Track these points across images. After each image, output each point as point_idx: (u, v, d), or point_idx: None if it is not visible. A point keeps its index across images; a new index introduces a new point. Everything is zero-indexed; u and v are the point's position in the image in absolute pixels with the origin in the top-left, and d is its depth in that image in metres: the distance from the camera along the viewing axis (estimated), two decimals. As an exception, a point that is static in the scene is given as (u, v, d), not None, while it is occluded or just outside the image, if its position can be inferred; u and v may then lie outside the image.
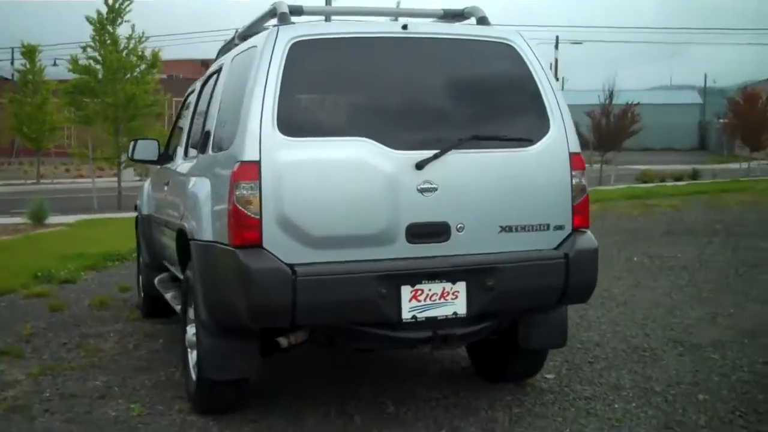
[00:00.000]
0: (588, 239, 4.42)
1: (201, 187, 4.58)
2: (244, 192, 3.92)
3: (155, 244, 6.67)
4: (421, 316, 4.10)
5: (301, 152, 4.00)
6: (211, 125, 4.80)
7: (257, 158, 3.93)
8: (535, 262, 4.25)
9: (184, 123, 5.96)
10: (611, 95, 26.48)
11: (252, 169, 3.93)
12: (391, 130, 4.16)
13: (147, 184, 7.27)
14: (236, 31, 5.33)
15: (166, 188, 6.01)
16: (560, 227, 4.37)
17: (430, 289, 4.11)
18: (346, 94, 4.44)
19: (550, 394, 4.96)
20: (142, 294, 7.24)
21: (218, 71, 5.18)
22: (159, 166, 6.57)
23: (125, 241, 10.26)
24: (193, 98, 5.96)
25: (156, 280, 6.44)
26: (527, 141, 4.35)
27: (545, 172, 4.36)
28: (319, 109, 4.53)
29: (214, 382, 4.39)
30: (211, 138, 4.72)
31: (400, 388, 5.03)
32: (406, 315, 4.07)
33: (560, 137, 4.41)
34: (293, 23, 4.29)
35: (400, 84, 4.35)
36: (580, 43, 54.35)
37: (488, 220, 4.23)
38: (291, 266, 3.87)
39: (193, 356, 4.64)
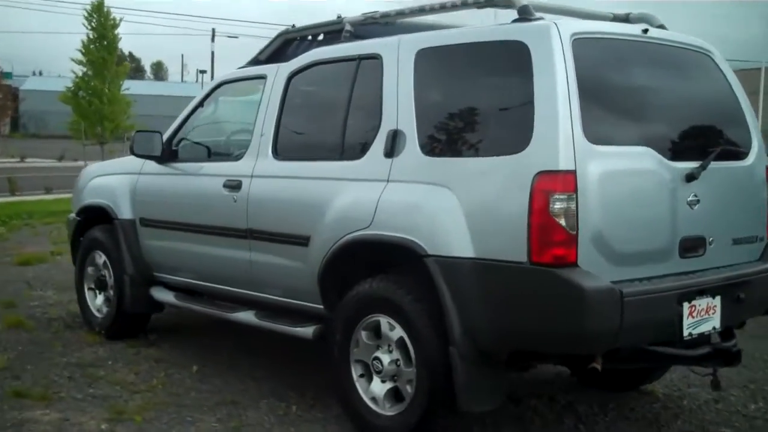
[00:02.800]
0: None
1: (433, 196, 4.01)
2: (560, 204, 3.58)
3: (164, 257, 5.94)
4: (695, 332, 4.00)
5: (605, 161, 3.75)
6: (413, 125, 4.21)
7: (573, 167, 3.61)
8: None
9: (263, 120, 5.13)
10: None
11: (569, 180, 3.61)
12: (662, 138, 4.11)
13: (126, 182, 6.16)
14: (345, 22, 4.99)
15: (235, 195, 5.12)
16: (761, 239, 4.52)
17: (700, 305, 4.00)
18: (625, 98, 4.14)
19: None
20: (108, 312, 6.32)
21: (335, 62, 4.81)
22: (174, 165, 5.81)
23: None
24: (271, 94, 5.12)
25: (173, 296, 5.86)
26: (745, 153, 4.47)
27: (756, 184, 4.51)
28: (609, 115, 4.06)
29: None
30: (418, 140, 4.18)
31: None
32: (686, 332, 3.94)
33: (760, 149, 4.55)
34: (541, 18, 4.00)
35: (662, 90, 4.31)
36: (236, 37, 55.19)
37: (727, 233, 4.28)
38: (615, 285, 3.62)
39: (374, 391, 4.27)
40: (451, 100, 4.22)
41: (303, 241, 4.64)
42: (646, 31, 4.18)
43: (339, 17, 5.07)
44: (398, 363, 4.17)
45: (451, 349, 3.87)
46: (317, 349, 4.88)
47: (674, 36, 4.39)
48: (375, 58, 4.54)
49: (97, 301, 6.51)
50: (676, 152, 4.09)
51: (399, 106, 4.30)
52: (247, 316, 5.20)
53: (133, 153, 5.87)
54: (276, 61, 5.42)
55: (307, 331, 4.76)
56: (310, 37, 5.38)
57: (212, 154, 5.79)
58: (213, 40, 49.24)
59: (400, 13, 4.74)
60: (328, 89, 5.07)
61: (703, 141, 4.31)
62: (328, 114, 4.95)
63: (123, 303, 6.16)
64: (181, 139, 5.88)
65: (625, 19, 4.65)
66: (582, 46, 3.80)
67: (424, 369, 4.01)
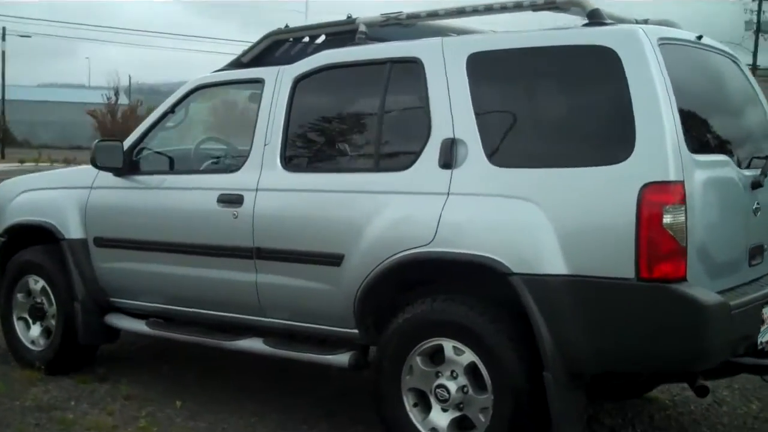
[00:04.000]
0: None
1: (514, 210, 3.72)
2: (671, 216, 3.42)
3: (126, 280, 5.26)
4: (764, 340, 3.92)
5: (703, 171, 3.63)
6: (475, 133, 3.90)
7: (681, 178, 3.47)
8: None
9: (266, 128, 4.61)
10: (117, 93, 26.81)
11: (679, 190, 3.46)
12: (731, 146, 4.07)
13: (74, 197, 5.41)
14: (360, 24, 4.53)
15: (235, 210, 4.60)
16: None
17: (764, 314, 3.91)
18: (703, 104, 4.01)
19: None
20: (50, 344, 5.55)
21: (355, 66, 4.43)
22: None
23: None
24: (274, 100, 4.62)
25: (145, 324, 5.19)
26: None
27: None
28: (696, 122, 3.90)
29: None
30: (484, 150, 3.87)
31: None
32: (760, 341, 3.88)
33: None
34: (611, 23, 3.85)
35: (721, 97, 4.32)
36: (29, 36, 53.76)
37: None
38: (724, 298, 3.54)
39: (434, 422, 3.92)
40: (522, 107, 3.97)
41: (333, 260, 4.23)
42: (700, 37, 4.12)
43: (350, 17, 4.65)
44: (465, 390, 3.87)
45: (545, 375, 3.61)
46: (299, 370, 4.48)
47: (713, 42, 4.36)
48: (413, 62, 4.19)
49: (31, 333, 5.69)
50: (741, 159, 4.06)
51: (453, 113, 3.98)
52: (253, 344, 4.68)
53: (95, 165, 5.17)
54: (262, 63, 4.94)
55: (341, 358, 4.34)
56: (306, 39, 4.92)
57: (192, 165, 5.22)
58: (4, 39, 45.74)
59: (433, 15, 4.37)
60: (351, 95, 4.65)
61: (755, 147, 4.31)
62: (354, 122, 4.58)
63: (70, 333, 5.42)
64: (148, 150, 5.26)
65: (646, 24, 4.58)
66: (666, 51, 3.67)
67: (503, 395, 3.73)
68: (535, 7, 4.11)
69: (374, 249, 4.07)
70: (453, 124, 3.97)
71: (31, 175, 6.60)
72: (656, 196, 3.42)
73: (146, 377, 5.53)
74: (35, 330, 5.68)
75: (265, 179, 4.55)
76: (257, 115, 4.69)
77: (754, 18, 40.87)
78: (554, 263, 3.59)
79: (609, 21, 3.83)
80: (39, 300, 5.63)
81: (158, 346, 6.14)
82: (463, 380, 3.87)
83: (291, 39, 4.96)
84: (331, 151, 4.69)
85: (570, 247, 3.58)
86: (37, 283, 5.61)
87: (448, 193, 3.92)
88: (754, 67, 38.47)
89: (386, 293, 4.14)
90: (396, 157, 4.25)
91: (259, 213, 4.52)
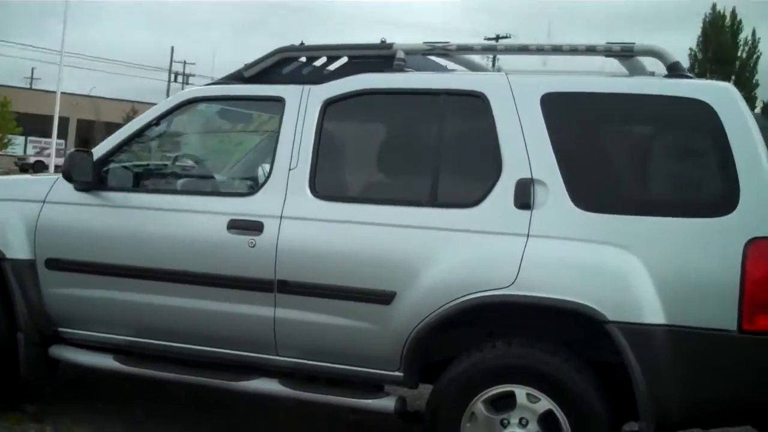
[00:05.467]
0: None
1: (608, 257, 3.67)
2: None
3: (85, 308, 4.59)
4: None
5: None
6: (556, 175, 3.83)
7: None
8: None
9: (291, 151, 4.27)
10: None
11: None
12: None
13: (20, 212, 4.63)
14: (398, 50, 4.30)
15: (252, 239, 4.19)
16: None
17: None
18: None
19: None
20: None
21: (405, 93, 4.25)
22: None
23: None
24: (301, 122, 4.30)
25: (113, 359, 4.57)
26: None
27: None
28: None
29: None
30: (568, 192, 3.80)
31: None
32: None
33: None
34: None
35: None
36: None
37: None
38: None
39: None
40: (610, 152, 3.96)
41: (383, 298, 3.98)
42: None
43: (384, 41, 4.45)
44: None
45: (640, 424, 3.64)
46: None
47: None
48: (475, 96, 4.06)
49: None
50: None
51: (530, 153, 3.89)
52: (268, 385, 4.25)
53: (69, 179, 4.48)
54: (265, 81, 4.55)
55: (387, 403, 4.07)
56: (325, 59, 4.61)
57: (189, 184, 4.69)
58: None
59: (490, 49, 4.29)
60: (395, 124, 4.41)
61: None
62: (400, 152, 4.33)
63: (5, 367, 4.65)
64: (121, 164, 4.65)
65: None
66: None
67: None
68: (609, 53, 4.11)
69: (438, 288, 3.87)
70: (530, 164, 3.89)
71: None
72: (762, 251, 3.53)
73: (87, 417, 4.84)
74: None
75: (291, 206, 4.19)
76: (278, 137, 4.32)
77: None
78: (653, 312, 3.59)
79: (690, 74, 3.95)
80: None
81: (87, 379, 5.45)
82: (533, 428, 3.79)
83: (304, 58, 4.61)
84: (371, 181, 4.42)
85: (668, 297, 3.60)
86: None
87: (528, 235, 3.83)
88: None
89: (444, 336, 3.99)
90: (456, 193, 4.07)
91: (285, 243, 4.15)
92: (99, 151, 4.61)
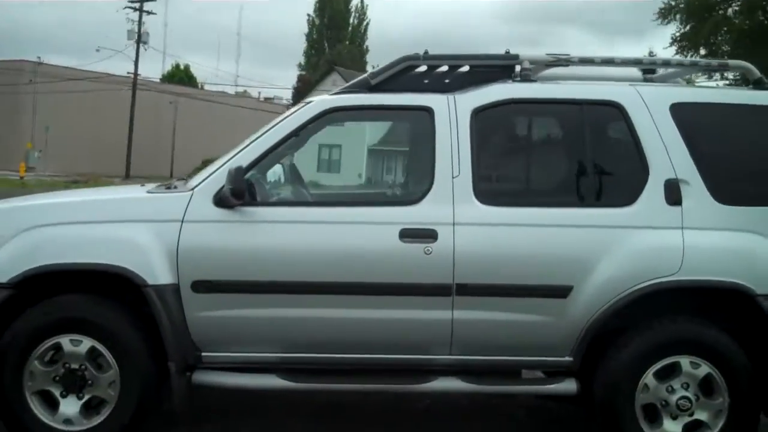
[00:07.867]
0: None
1: (751, 242, 4.38)
2: None
3: (235, 329, 4.50)
4: None
5: None
6: (695, 175, 4.50)
7: None
8: None
9: (451, 160, 4.50)
10: None
11: None
12: None
13: (155, 234, 4.36)
14: (524, 61, 4.73)
15: (428, 247, 4.45)
16: None
17: None
18: None
19: None
20: (110, 419, 4.42)
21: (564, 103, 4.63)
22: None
23: None
24: (454, 131, 4.56)
25: (276, 377, 4.52)
26: None
27: None
28: None
29: None
30: (708, 190, 4.48)
31: None
32: None
33: None
34: None
35: None
36: None
37: None
38: None
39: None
40: (738, 153, 4.68)
41: (560, 292, 4.44)
42: None
43: (508, 52, 4.78)
44: (698, 398, 4.47)
45: None
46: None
47: None
48: (612, 105, 4.63)
49: (63, 411, 4.38)
50: None
51: (671, 156, 4.54)
52: (451, 384, 4.51)
53: (235, 198, 4.35)
54: (390, 89, 4.74)
55: (568, 386, 4.55)
56: (446, 68, 4.82)
57: (344, 195, 4.66)
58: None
59: (608, 62, 4.81)
60: (543, 131, 4.83)
61: None
62: (551, 158, 4.77)
63: (148, 402, 4.41)
64: (262, 176, 4.56)
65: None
66: None
67: (739, 398, 4.43)
68: (709, 67, 4.95)
69: (613, 280, 4.41)
70: (673, 166, 4.55)
71: (50, 198, 5.08)
72: None
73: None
74: (69, 407, 4.39)
75: (462, 213, 4.47)
76: (434, 146, 4.56)
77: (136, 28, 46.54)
78: None
79: None
80: (78, 366, 4.37)
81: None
82: (694, 389, 4.47)
83: (428, 66, 4.79)
84: (530, 186, 4.82)
85: None
86: (78, 345, 4.36)
87: (682, 227, 4.51)
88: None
89: (615, 321, 4.50)
90: (611, 194, 4.61)
91: (461, 248, 4.44)
92: (236, 163, 4.47)
